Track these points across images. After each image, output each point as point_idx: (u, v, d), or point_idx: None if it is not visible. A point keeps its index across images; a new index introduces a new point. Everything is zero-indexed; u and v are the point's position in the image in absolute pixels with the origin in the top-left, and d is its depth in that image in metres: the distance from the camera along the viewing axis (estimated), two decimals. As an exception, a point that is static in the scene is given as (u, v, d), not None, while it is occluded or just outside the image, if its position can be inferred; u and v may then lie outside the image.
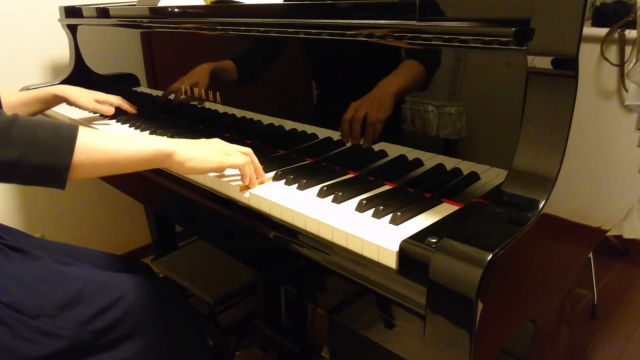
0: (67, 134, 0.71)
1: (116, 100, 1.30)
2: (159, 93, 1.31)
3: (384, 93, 0.82)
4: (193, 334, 1.06)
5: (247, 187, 0.83)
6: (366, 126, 0.85)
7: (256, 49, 1.02)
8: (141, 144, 0.78)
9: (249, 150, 0.86)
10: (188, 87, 1.18)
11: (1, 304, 0.80)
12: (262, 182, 0.85)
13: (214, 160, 0.81)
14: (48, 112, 1.39)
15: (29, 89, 1.55)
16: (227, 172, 0.87)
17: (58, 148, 0.70)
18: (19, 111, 1.09)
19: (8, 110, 1.04)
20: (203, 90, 1.14)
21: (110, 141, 0.76)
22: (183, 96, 1.21)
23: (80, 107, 1.26)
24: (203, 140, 0.85)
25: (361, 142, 0.87)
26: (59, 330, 0.83)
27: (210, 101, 1.14)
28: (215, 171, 0.85)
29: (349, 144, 0.89)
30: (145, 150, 0.77)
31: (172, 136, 1.10)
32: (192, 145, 0.82)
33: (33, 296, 0.83)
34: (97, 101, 1.25)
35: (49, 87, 1.23)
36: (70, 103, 1.24)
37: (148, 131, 1.19)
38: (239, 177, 0.84)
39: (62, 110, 1.41)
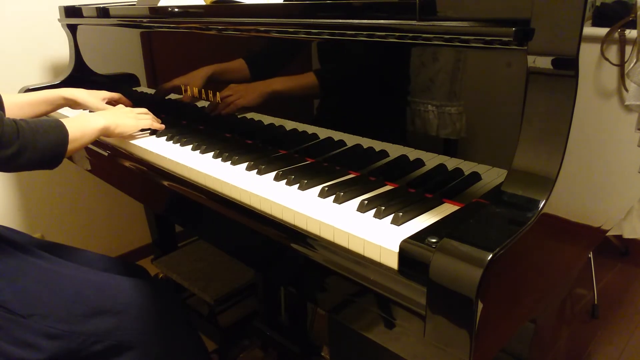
0: (58, 131, 0.92)
1: (117, 96, 1.35)
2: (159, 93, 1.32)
3: (260, 86, 0.97)
4: (189, 337, 1.06)
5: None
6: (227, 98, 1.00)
7: (256, 49, 1.02)
8: (93, 124, 1.01)
9: (144, 110, 1.16)
10: (188, 87, 1.18)
11: None
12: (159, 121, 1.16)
13: (132, 124, 1.09)
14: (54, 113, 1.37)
15: (29, 90, 1.55)
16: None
17: (57, 138, 0.91)
18: (24, 111, 1.17)
19: (14, 109, 1.17)
20: (203, 90, 1.14)
21: (79, 126, 0.97)
22: (183, 96, 1.21)
23: (88, 109, 1.26)
24: (114, 110, 1.14)
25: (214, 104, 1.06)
26: (51, 330, 0.82)
27: (211, 101, 1.14)
28: (132, 132, 1.10)
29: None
30: (97, 128, 1.01)
31: (172, 136, 1.11)
32: (116, 116, 1.08)
33: (24, 295, 0.83)
34: (104, 100, 1.28)
35: (56, 89, 1.24)
36: (78, 106, 1.25)
37: (148, 131, 1.19)
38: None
39: (66, 112, 1.40)
